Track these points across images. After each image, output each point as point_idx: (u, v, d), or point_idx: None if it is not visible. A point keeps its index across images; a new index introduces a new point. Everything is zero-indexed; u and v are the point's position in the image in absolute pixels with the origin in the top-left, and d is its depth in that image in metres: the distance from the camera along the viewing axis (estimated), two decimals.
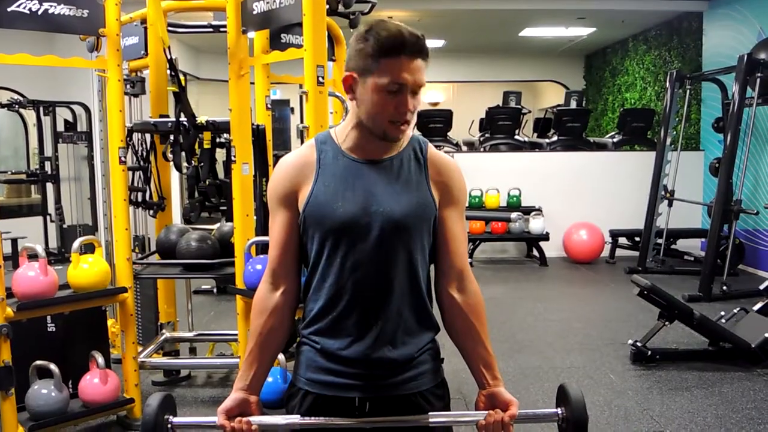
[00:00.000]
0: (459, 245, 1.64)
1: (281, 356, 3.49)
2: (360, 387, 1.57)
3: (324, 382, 1.58)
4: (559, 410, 1.57)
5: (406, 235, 1.55)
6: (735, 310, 4.86)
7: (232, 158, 3.60)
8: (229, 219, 3.93)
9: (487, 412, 1.55)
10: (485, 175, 8.70)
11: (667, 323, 4.58)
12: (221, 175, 4.16)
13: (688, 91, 7.96)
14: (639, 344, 4.59)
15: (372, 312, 1.55)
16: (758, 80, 6.38)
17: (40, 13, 3.23)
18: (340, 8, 3.71)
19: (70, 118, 7.46)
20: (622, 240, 8.43)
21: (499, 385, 1.61)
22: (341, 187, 1.54)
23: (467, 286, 1.64)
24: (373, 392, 1.57)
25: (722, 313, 4.88)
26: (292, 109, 12.01)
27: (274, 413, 3.60)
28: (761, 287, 5.09)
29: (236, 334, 3.88)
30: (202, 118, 3.84)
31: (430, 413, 1.56)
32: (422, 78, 1.50)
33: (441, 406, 1.63)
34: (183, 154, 3.95)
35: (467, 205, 9.02)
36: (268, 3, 3.40)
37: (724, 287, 6.37)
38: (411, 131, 1.61)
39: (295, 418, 1.55)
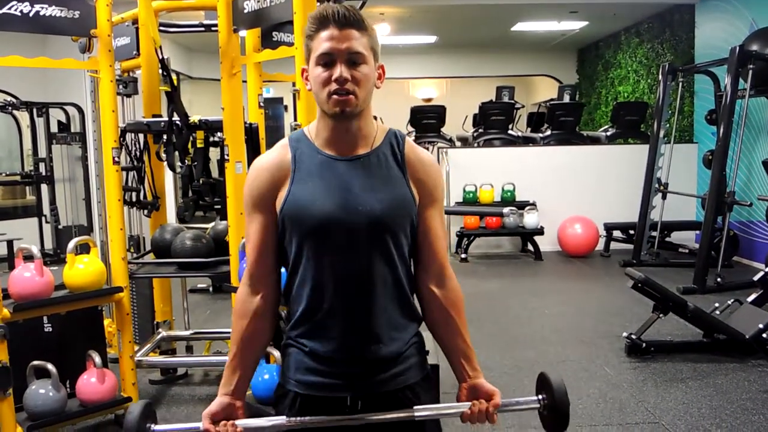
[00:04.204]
0: (439, 241, 1.64)
1: (277, 353, 3.50)
2: (351, 386, 1.56)
3: (314, 383, 1.57)
4: (539, 396, 1.60)
5: (386, 232, 1.54)
6: (729, 302, 4.88)
7: (226, 157, 3.61)
8: (224, 217, 3.94)
9: (471, 402, 1.58)
10: (479, 170, 8.73)
11: (661, 315, 4.60)
12: (215, 174, 4.17)
13: (680, 84, 7.98)
14: (634, 337, 4.61)
15: (357, 310, 1.54)
16: (750, 72, 6.39)
17: (31, 15, 3.22)
18: None
19: (63, 119, 7.46)
20: (617, 233, 8.46)
21: (480, 376, 1.63)
22: (318, 186, 1.53)
23: (447, 282, 1.65)
24: (364, 390, 1.57)
25: (716, 304, 4.91)
26: (286, 107, 12.01)
27: (271, 409, 3.60)
28: (755, 278, 5.11)
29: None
30: (194, 118, 3.84)
31: (415, 407, 1.56)
32: (356, 46, 1.49)
33: (428, 399, 1.64)
34: (176, 153, 3.95)
35: (461, 200, 9.03)
36: (258, 1, 3.40)
37: (719, 279, 6.39)
38: (368, 112, 1.58)
39: (281, 419, 1.54)
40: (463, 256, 8.40)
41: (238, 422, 1.54)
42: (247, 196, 1.61)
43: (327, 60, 1.49)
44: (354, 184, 1.53)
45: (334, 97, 1.49)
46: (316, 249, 1.53)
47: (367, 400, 1.57)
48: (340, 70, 1.48)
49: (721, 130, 6.52)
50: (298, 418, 1.54)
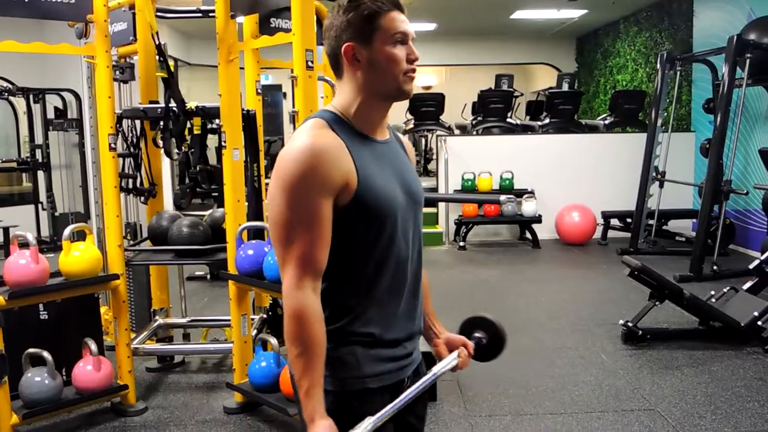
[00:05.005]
0: None
1: (274, 340, 3.50)
2: (407, 365, 1.60)
3: (384, 371, 1.54)
4: (477, 335, 1.77)
5: (421, 211, 1.63)
6: (725, 290, 4.89)
7: (223, 144, 3.60)
8: (221, 205, 3.94)
9: (456, 352, 1.68)
10: (477, 158, 8.72)
11: (657, 303, 4.62)
12: (212, 161, 4.16)
13: (678, 73, 7.96)
14: (630, 324, 4.62)
15: (414, 288, 1.60)
16: (748, 61, 6.38)
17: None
18: None
19: (60, 106, 7.44)
20: (614, 221, 8.47)
21: (446, 331, 1.76)
22: (379, 169, 1.49)
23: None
24: (412, 368, 1.63)
25: (712, 292, 4.92)
26: (285, 95, 11.99)
27: (268, 397, 3.59)
28: (750, 266, 5.12)
29: (229, 320, 3.89)
30: (191, 104, 3.83)
31: (432, 369, 1.61)
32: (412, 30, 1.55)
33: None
34: (173, 140, 3.94)
35: (460, 188, 9.02)
36: None
37: (715, 267, 6.41)
38: None
39: (371, 422, 1.39)
40: (461, 244, 8.40)
41: None
42: (312, 181, 1.39)
43: (402, 39, 1.49)
44: (398, 166, 1.58)
45: (407, 76, 1.51)
46: (391, 232, 1.50)
47: (412, 379, 1.61)
48: (415, 51, 1.51)
49: (719, 119, 6.51)
50: (381, 413, 1.42)
